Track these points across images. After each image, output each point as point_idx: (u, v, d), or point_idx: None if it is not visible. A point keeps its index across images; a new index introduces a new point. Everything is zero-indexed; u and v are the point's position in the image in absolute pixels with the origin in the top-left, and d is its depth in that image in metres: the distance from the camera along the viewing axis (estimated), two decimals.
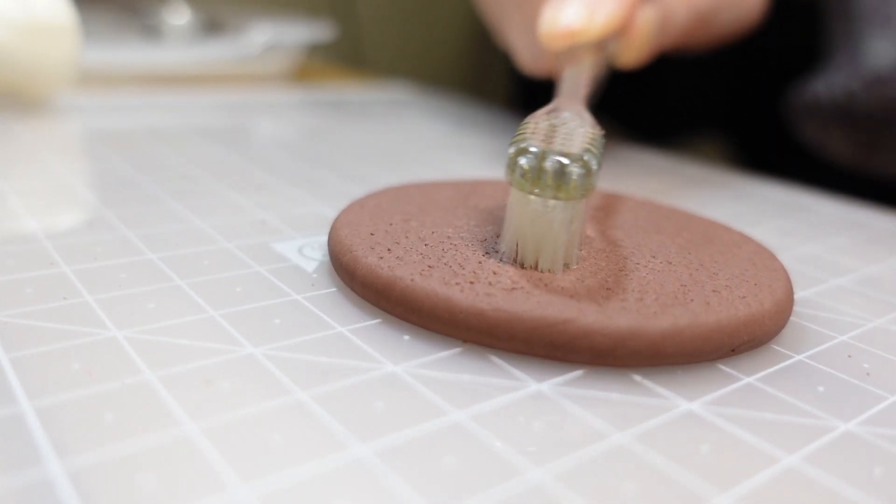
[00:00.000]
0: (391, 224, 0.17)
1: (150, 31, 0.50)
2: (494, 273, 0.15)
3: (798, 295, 0.18)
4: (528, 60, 0.29)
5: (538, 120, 0.17)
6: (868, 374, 0.14)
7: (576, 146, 0.15)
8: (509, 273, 0.15)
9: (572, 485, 0.11)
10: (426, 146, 0.31)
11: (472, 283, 0.14)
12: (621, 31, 0.25)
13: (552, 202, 0.15)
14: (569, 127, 0.16)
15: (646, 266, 0.16)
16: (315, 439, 0.11)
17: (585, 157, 0.15)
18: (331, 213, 0.21)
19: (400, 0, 0.89)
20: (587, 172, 0.15)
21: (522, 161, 0.15)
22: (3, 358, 0.13)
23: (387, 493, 0.10)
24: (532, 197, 0.15)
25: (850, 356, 0.15)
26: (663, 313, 0.14)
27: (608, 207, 0.20)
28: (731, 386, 0.14)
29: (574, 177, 0.14)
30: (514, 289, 0.14)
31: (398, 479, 0.10)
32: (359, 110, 0.38)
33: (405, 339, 0.14)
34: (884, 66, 0.32)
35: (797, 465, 0.12)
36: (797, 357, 0.15)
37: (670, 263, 0.16)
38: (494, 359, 0.14)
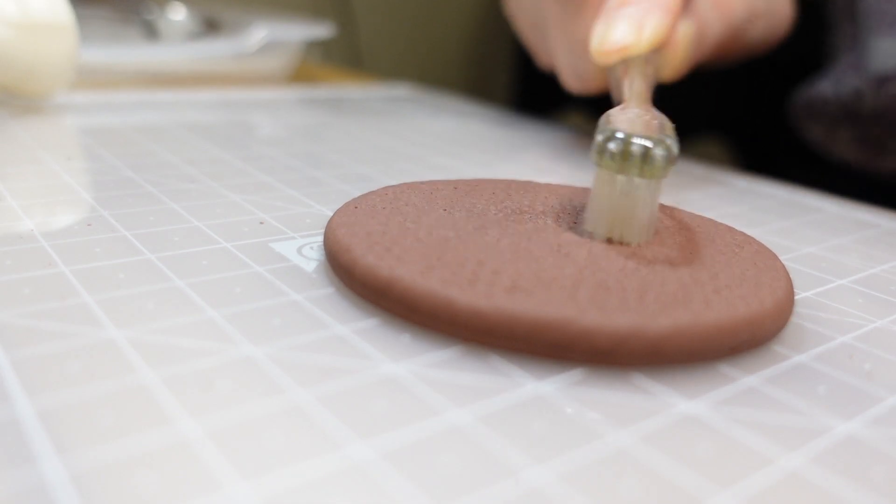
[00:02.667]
0: (388, 224, 0.17)
1: (149, 29, 0.49)
2: (494, 273, 0.15)
3: (799, 295, 0.18)
4: (574, 80, 0.30)
5: (616, 114, 0.19)
6: (869, 374, 0.14)
7: (656, 132, 0.17)
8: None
9: (572, 485, 0.11)
10: (426, 145, 0.31)
11: (471, 282, 0.14)
12: (664, 45, 0.26)
13: (637, 180, 0.17)
14: (644, 119, 0.18)
15: (646, 266, 0.16)
16: (315, 439, 0.11)
17: (668, 141, 0.17)
18: (330, 213, 0.21)
19: (398, 2, 0.89)
20: (669, 154, 0.16)
21: (611, 145, 0.16)
22: (3, 358, 0.13)
23: (387, 493, 0.10)
24: (619, 177, 0.17)
25: (851, 357, 0.15)
26: (663, 313, 0.14)
27: None
28: (732, 386, 0.14)
29: (658, 158, 0.16)
30: (513, 288, 0.14)
31: (398, 478, 0.10)
32: (358, 109, 0.38)
33: (405, 339, 0.14)
34: (892, 66, 0.32)
35: (797, 465, 0.12)
36: (798, 357, 0.15)
37: (671, 263, 0.16)
38: (494, 358, 0.14)
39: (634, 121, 0.18)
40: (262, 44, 0.43)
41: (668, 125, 0.18)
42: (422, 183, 0.21)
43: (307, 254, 0.18)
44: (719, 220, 0.21)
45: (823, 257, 0.21)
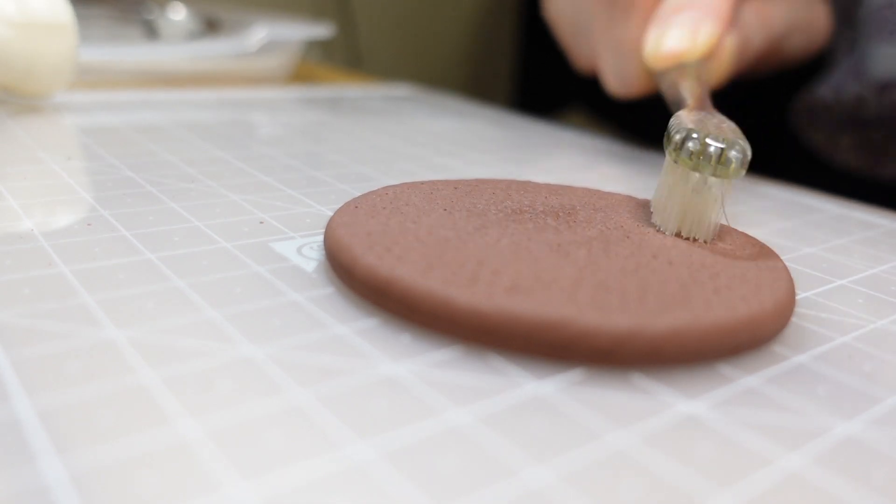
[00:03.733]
0: (388, 224, 0.17)
1: (149, 29, 0.49)
2: (494, 273, 0.15)
3: (799, 295, 0.18)
4: (617, 83, 0.30)
5: (685, 115, 0.19)
6: (869, 374, 0.14)
7: (730, 134, 0.18)
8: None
9: (572, 485, 0.11)
10: (426, 145, 0.31)
11: (471, 282, 0.14)
12: (715, 52, 0.26)
13: (711, 179, 0.17)
14: (713, 121, 0.19)
15: (646, 266, 0.16)
16: (315, 439, 0.11)
17: (742, 143, 0.17)
18: (330, 213, 0.21)
19: (397, 3, 0.89)
20: (744, 157, 0.17)
21: (690, 144, 0.17)
22: (3, 358, 0.13)
23: (387, 493, 0.10)
24: (694, 174, 0.18)
25: (851, 357, 0.15)
26: (663, 313, 0.14)
27: (608, 207, 0.20)
28: (732, 386, 0.14)
29: (733, 160, 0.17)
30: (513, 288, 0.14)
31: (398, 478, 0.10)
32: (358, 109, 0.38)
33: (405, 339, 0.14)
34: (893, 73, 0.32)
35: (797, 465, 0.12)
36: (798, 358, 0.15)
37: (671, 264, 0.16)
38: (494, 358, 0.14)
39: (706, 122, 0.19)
40: (262, 43, 0.43)
41: (738, 129, 0.19)
42: (422, 183, 0.21)
43: (307, 254, 0.18)
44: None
45: (824, 258, 0.21)
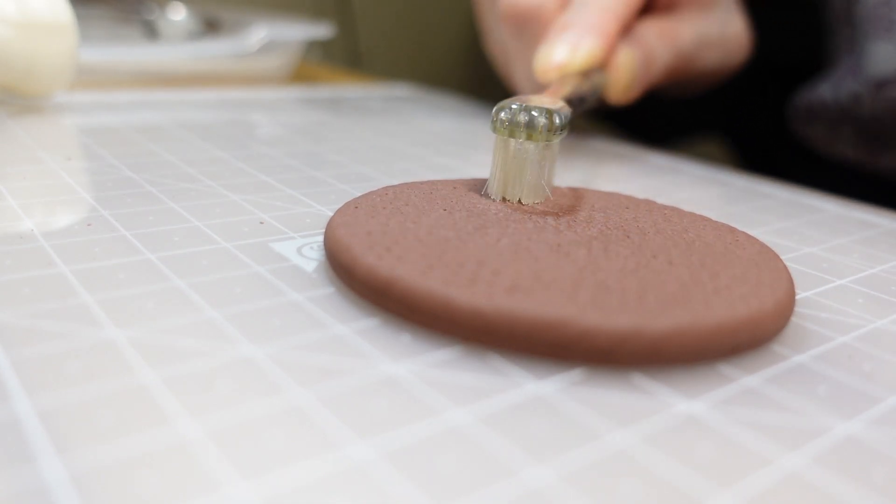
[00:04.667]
0: (388, 224, 0.17)
1: (149, 29, 0.49)
2: (494, 273, 0.15)
3: (799, 295, 0.18)
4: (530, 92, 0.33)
5: (518, 97, 0.21)
6: (869, 374, 0.14)
7: (548, 106, 0.20)
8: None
9: (572, 485, 0.11)
10: (426, 145, 0.31)
11: (471, 282, 0.14)
12: (604, 66, 0.29)
13: (525, 143, 0.19)
14: (543, 100, 0.21)
15: (646, 266, 0.16)
16: (315, 439, 0.11)
17: (553, 112, 0.19)
18: (330, 213, 0.21)
19: (397, 3, 0.89)
20: (550, 123, 0.19)
21: (502, 114, 0.19)
22: (3, 358, 0.13)
23: (386, 493, 0.10)
24: (510, 140, 0.20)
25: (851, 357, 0.15)
26: (663, 313, 0.14)
27: (608, 207, 0.20)
28: (732, 386, 0.14)
29: (540, 124, 0.19)
30: (513, 288, 0.14)
31: (398, 478, 0.10)
32: (358, 109, 0.38)
33: (405, 339, 0.14)
34: (890, 71, 0.32)
35: (797, 465, 0.12)
36: (798, 357, 0.15)
37: (671, 263, 0.16)
38: (494, 358, 0.14)
39: (532, 99, 0.21)
40: (262, 44, 0.43)
41: (565, 107, 0.21)
42: (422, 183, 0.21)
43: (307, 254, 0.18)
44: (719, 220, 0.21)
45: (824, 257, 0.21)
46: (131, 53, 0.40)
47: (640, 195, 0.25)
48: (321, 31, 0.47)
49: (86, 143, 0.27)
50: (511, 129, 0.19)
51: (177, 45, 0.42)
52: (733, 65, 0.36)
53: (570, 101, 0.24)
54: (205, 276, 0.16)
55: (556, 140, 0.20)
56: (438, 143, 0.31)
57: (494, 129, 0.20)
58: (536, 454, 0.11)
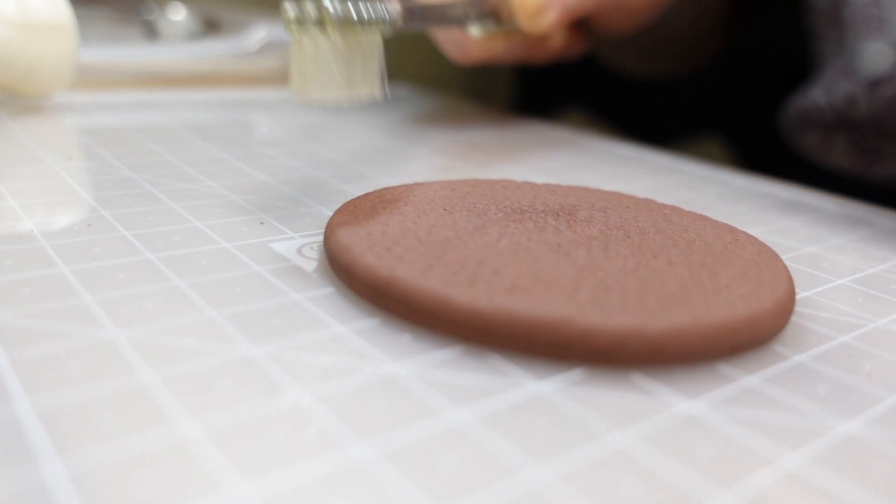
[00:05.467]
0: (389, 224, 0.17)
1: (148, 29, 0.49)
2: (494, 273, 0.15)
3: (799, 295, 0.18)
4: (457, 53, 0.32)
5: None
6: (869, 374, 0.14)
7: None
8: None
9: (572, 485, 0.11)
10: (425, 145, 0.31)
11: (471, 282, 0.14)
12: None
13: (317, 37, 0.18)
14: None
15: (646, 266, 0.16)
16: (315, 439, 0.11)
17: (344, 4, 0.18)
18: (330, 213, 0.21)
19: None
20: (345, 15, 0.18)
21: (288, 10, 0.18)
22: (3, 359, 0.13)
23: (386, 493, 0.10)
24: (304, 37, 0.18)
25: (850, 356, 0.15)
26: (663, 313, 0.14)
27: (608, 207, 0.20)
28: (732, 386, 0.14)
29: (330, 12, 0.18)
30: (513, 288, 0.14)
31: (398, 478, 0.10)
32: (358, 109, 0.38)
33: (405, 339, 0.14)
34: (883, 69, 0.32)
35: (798, 465, 0.12)
36: (798, 357, 0.15)
37: (671, 263, 0.16)
38: (494, 358, 0.14)
39: None
40: (262, 44, 0.43)
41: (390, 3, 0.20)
42: (422, 183, 0.21)
43: (307, 254, 0.18)
44: (719, 220, 0.21)
45: (823, 257, 0.21)
46: (131, 54, 0.41)
47: (641, 195, 0.25)
48: None
49: (86, 143, 0.27)
50: (302, 26, 0.18)
51: (177, 46, 0.42)
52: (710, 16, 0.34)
53: (426, 8, 0.22)
54: (205, 276, 0.16)
55: (358, 33, 0.18)
56: (438, 143, 0.31)
57: (287, 29, 0.18)
58: (536, 454, 0.11)
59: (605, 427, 0.12)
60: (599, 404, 0.13)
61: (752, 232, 0.22)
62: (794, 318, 0.17)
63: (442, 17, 0.25)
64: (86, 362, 0.13)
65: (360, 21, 0.18)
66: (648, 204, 0.21)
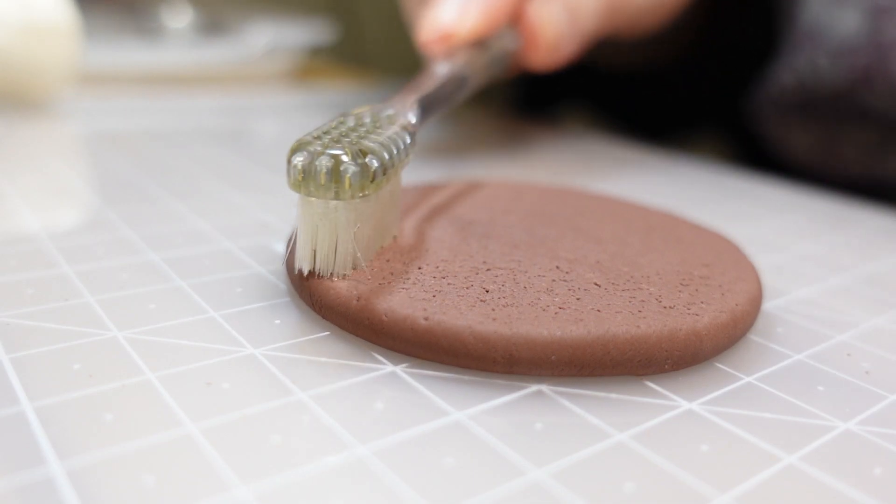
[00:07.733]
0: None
1: (151, 31, 0.50)
2: (464, 294, 0.15)
3: (798, 293, 0.18)
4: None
5: (347, 116, 0.16)
6: (867, 373, 0.14)
7: (369, 142, 0.14)
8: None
9: (572, 485, 0.11)
10: (425, 145, 0.31)
11: (451, 305, 0.14)
12: (515, 24, 0.24)
13: (333, 203, 0.14)
14: (375, 124, 0.15)
15: (625, 276, 0.16)
16: (315, 439, 0.11)
17: (366, 151, 0.14)
18: None
19: None
20: (363, 171, 0.14)
21: (295, 160, 0.14)
22: (4, 358, 0.13)
23: (387, 494, 0.10)
24: (312, 199, 0.14)
25: (849, 355, 0.15)
26: (653, 319, 0.14)
27: (588, 209, 0.20)
28: (731, 385, 0.14)
29: (349, 174, 0.13)
30: (489, 308, 0.14)
31: (398, 479, 0.11)
32: None
33: None
34: (851, 35, 0.31)
35: (797, 464, 0.12)
36: (796, 356, 0.15)
37: (655, 265, 0.16)
38: None
39: (357, 129, 0.15)
40: (267, 49, 0.43)
41: (401, 134, 0.15)
42: (411, 187, 0.21)
43: None
44: (716, 219, 0.21)
45: (822, 255, 0.21)
46: (135, 56, 0.41)
47: (640, 195, 0.25)
48: (325, 33, 0.47)
49: (89, 144, 0.27)
50: (308, 183, 0.14)
51: (180, 48, 0.42)
52: (671, 6, 0.31)
53: (440, 93, 0.18)
54: (207, 276, 0.16)
55: (375, 191, 0.14)
56: (439, 144, 0.31)
57: (290, 185, 0.14)
58: (536, 454, 0.11)
59: (606, 427, 0.12)
60: (599, 404, 0.13)
61: (749, 230, 0.22)
62: (792, 317, 0.17)
63: (459, 86, 0.21)
64: (87, 362, 0.13)
65: (395, 162, 0.14)
66: (605, 199, 0.20)
